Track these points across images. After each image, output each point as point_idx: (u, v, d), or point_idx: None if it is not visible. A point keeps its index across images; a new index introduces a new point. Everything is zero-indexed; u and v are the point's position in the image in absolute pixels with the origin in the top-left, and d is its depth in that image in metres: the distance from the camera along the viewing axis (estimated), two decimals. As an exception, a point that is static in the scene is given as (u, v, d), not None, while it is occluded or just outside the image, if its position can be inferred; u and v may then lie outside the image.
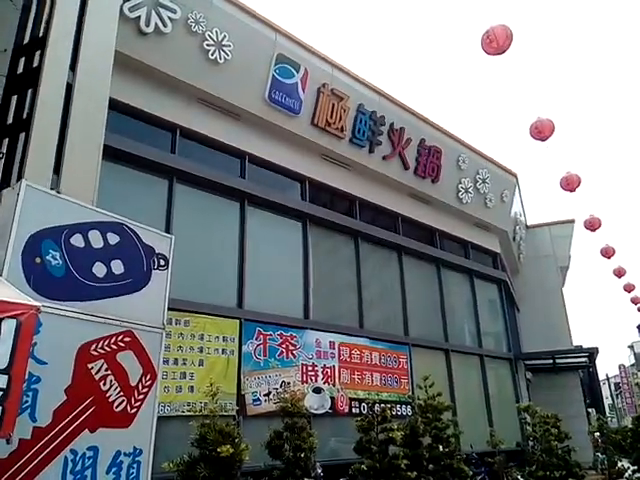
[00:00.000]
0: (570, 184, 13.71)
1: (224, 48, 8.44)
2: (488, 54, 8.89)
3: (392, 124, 11.44)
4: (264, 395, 8.07)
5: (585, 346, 18.78)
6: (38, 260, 3.40)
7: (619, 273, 22.45)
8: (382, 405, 8.66)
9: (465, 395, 12.17)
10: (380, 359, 10.18)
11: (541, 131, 10.90)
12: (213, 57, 8.34)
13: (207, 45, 8.27)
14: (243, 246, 8.87)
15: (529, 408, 11.52)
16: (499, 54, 8.83)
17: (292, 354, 8.68)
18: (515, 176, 15.69)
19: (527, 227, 19.47)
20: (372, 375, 9.86)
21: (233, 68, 8.63)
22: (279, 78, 9.31)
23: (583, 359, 17.95)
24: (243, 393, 7.86)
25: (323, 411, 8.53)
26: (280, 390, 8.04)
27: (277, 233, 9.81)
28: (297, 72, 9.60)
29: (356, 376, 9.55)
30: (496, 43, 8.68)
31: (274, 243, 9.64)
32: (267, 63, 9.16)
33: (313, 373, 8.82)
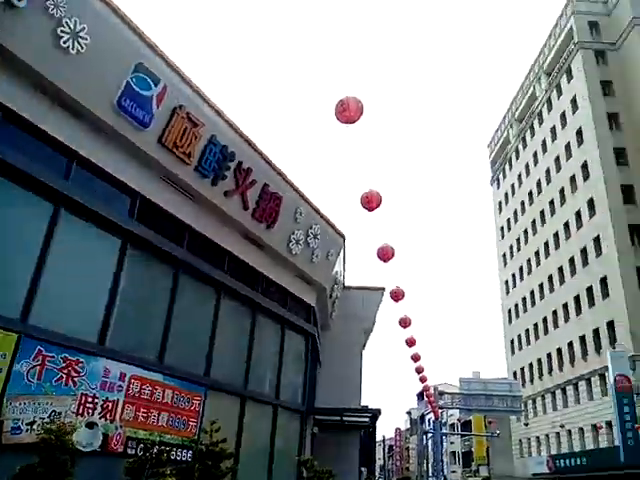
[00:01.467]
0: (385, 254, 14.74)
1: (80, 40, 7.75)
2: (340, 122, 9.41)
3: (241, 163, 11.47)
4: (27, 424, 7.09)
5: (370, 407, 20.26)
6: None
7: (410, 342, 24.88)
8: (161, 447, 8.27)
9: (252, 444, 12.10)
10: (172, 398, 9.66)
11: (370, 201, 11.67)
12: (65, 45, 7.60)
13: (61, 32, 7.53)
14: (46, 250, 7.93)
15: (308, 462, 11.89)
16: (349, 124, 9.39)
17: (73, 381, 7.79)
18: (343, 237, 16.70)
19: (344, 287, 20.76)
20: (159, 414, 9.28)
21: (84, 62, 7.94)
22: (134, 87, 8.82)
23: (366, 419, 19.25)
24: (1, 419, 6.84)
25: (91, 449, 7.75)
26: (47, 420, 7.16)
27: (90, 246, 8.99)
28: (155, 86, 9.19)
29: (141, 414, 8.89)
30: (348, 112, 9.22)
31: (84, 256, 8.80)
32: (125, 68, 8.64)
33: (92, 405, 7.99)
